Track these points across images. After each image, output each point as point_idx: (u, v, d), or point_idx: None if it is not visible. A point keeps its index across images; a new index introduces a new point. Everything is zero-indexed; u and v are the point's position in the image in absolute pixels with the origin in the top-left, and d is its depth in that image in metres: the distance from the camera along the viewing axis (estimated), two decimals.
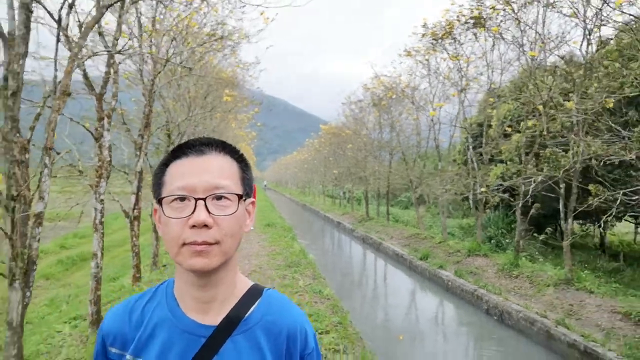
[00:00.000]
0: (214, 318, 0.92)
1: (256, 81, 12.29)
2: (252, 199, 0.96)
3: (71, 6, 3.85)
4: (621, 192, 5.69)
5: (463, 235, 15.67)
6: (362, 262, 14.40)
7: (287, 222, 18.79)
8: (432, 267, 10.23)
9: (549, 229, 11.67)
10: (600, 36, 7.63)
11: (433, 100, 12.75)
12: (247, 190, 0.94)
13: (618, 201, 5.72)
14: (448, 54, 11.03)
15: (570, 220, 7.85)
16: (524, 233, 11.89)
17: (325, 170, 30.09)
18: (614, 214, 6.05)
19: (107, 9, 3.38)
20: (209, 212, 0.84)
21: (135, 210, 6.63)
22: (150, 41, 6.64)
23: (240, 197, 0.89)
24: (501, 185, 9.50)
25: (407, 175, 14.83)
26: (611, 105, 7.13)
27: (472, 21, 9.29)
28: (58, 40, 3.65)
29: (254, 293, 0.98)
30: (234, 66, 11.65)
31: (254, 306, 0.95)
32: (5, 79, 3.02)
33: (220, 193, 0.86)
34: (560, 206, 8.15)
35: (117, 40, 4.79)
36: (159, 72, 6.50)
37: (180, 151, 0.92)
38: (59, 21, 3.56)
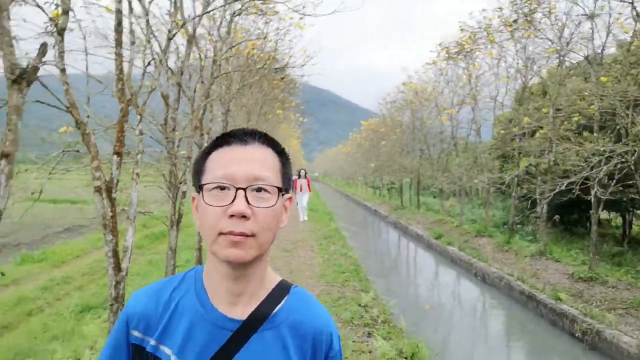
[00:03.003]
0: (242, 312, 0.92)
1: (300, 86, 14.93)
2: (289, 195, 0.94)
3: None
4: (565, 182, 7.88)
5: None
6: (390, 240, 16.95)
7: (328, 208, 21.57)
8: (442, 244, 12.60)
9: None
10: (566, 62, 9.74)
11: (453, 104, 14.99)
12: (286, 185, 0.93)
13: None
14: (460, 67, 13.31)
15: (545, 206, 10.01)
16: (536, 220, 13.98)
17: (365, 163, 32.57)
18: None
19: (214, 80, 6.11)
20: (248, 203, 0.84)
21: None
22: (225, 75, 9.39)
23: (280, 190, 0.89)
24: (499, 177, 11.67)
25: (431, 169, 17.14)
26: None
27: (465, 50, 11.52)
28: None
29: (282, 289, 0.98)
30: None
31: (281, 303, 0.95)
32: (165, 122, 5.81)
33: (260, 184, 0.86)
34: (537, 197, 10.27)
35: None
36: (233, 97, 9.26)
37: (223, 140, 0.92)
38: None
